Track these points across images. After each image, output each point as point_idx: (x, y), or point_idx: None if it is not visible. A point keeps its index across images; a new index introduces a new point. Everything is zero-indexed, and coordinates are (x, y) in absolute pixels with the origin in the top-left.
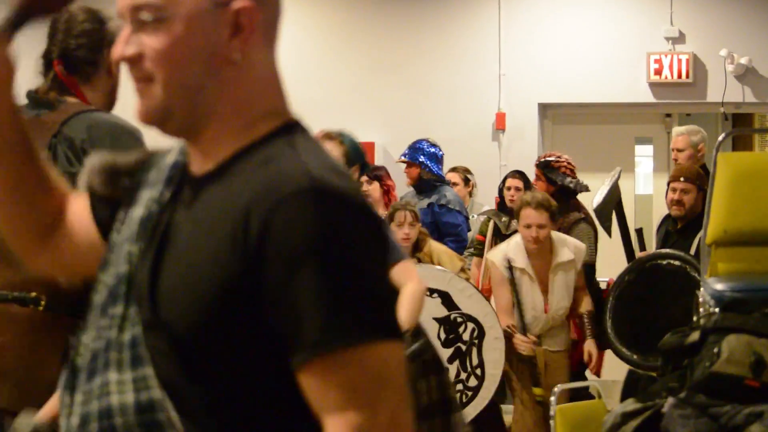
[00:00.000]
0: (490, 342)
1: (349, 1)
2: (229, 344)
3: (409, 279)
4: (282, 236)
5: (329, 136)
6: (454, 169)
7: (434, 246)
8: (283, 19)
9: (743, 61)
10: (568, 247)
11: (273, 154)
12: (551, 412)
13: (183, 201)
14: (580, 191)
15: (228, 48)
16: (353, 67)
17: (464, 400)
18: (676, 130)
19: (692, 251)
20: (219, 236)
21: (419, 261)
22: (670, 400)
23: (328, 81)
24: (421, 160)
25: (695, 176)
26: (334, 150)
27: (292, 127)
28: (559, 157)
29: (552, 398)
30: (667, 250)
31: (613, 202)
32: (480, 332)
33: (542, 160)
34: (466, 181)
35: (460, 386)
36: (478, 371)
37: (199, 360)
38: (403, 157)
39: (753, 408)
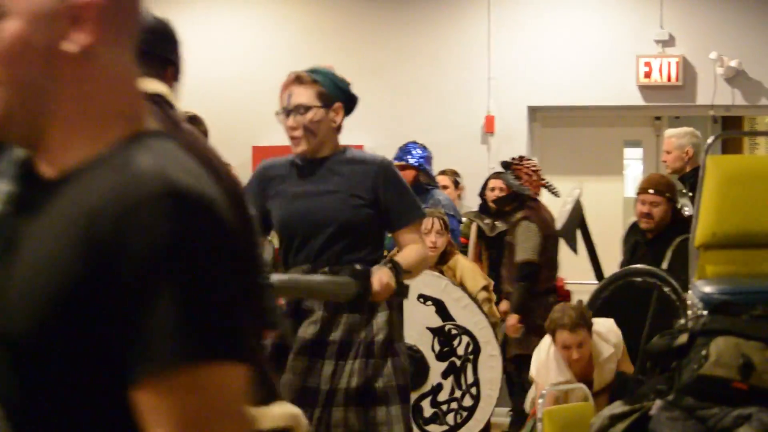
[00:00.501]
0: (486, 359)
1: (337, 4)
2: (67, 356)
3: (416, 242)
4: (132, 242)
5: (299, 79)
6: (443, 172)
7: (461, 261)
8: (139, 20)
9: (733, 63)
10: (606, 341)
11: (125, 158)
12: (539, 415)
13: (27, 204)
14: (533, 197)
15: (70, 45)
16: (341, 70)
17: (458, 420)
18: (667, 132)
19: (664, 264)
20: (64, 242)
21: (441, 273)
22: (658, 402)
23: None
24: (419, 162)
25: (665, 188)
26: (305, 93)
27: (149, 133)
28: (521, 160)
29: (540, 401)
30: (642, 266)
31: (576, 220)
32: (475, 347)
33: (506, 160)
34: (456, 184)
35: (454, 405)
36: (474, 390)
37: (34, 375)
38: (396, 161)
39: (741, 410)
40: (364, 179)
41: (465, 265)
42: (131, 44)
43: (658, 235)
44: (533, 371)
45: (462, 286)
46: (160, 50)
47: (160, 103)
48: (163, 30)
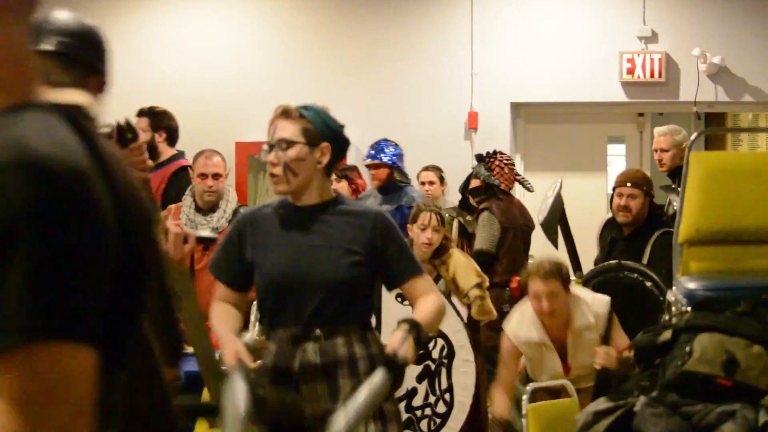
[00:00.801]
0: (460, 364)
1: (322, 2)
2: None
3: (428, 291)
4: None
5: (286, 113)
6: (427, 168)
7: (456, 256)
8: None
9: (716, 60)
10: (588, 309)
11: None
12: (523, 411)
13: None
14: (505, 191)
15: None
16: (324, 67)
17: (432, 428)
18: (658, 130)
19: (644, 260)
20: None
21: (434, 268)
22: (642, 398)
23: (298, 80)
24: (393, 160)
25: (642, 181)
26: (290, 127)
27: (32, 105)
28: (494, 154)
29: (524, 397)
30: (623, 262)
31: (557, 214)
32: (450, 351)
33: (481, 153)
34: (441, 179)
35: (428, 411)
36: (447, 396)
37: None
38: (369, 159)
39: (725, 407)
40: (359, 233)
41: (459, 260)
42: (23, 22)
43: (636, 231)
44: (505, 327)
45: (454, 282)
46: (83, 56)
47: (74, 114)
48: (87, 36)
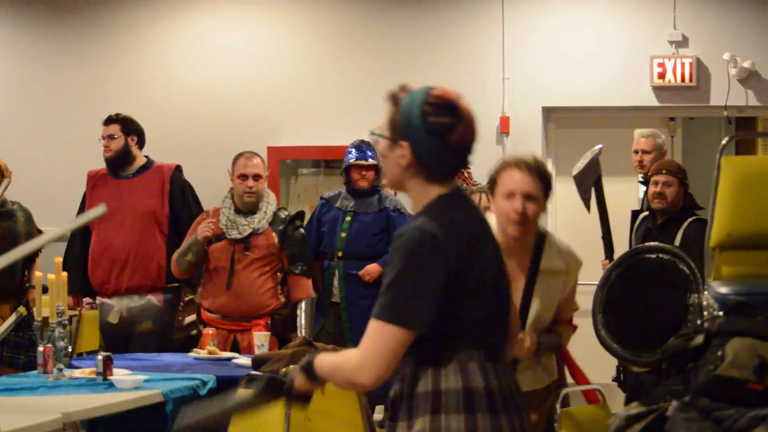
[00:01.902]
0: None
1: (351, 6)
2: None
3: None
4: None
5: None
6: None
7: None
8: None
9: (746, 64)
10: (560, 254)
11: None
12: (555, 416)
13: None
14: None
15: None
16: (354, 73)
17: None
18: (639, 132)
19: (676, 244)
20: None
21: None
22: (674, 403)
23: (329, 86)
24: (377, 161)
25: (677, 170)
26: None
27: None
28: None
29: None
30: (656, 243)
31: (591, 176)
32: None
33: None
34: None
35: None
36: None
37: None
38: (356, 159)
39: (757, 411)
40: None
41: None
42: None
43: (669, 219)
44: None
45: None
46: None
47: None
48: None
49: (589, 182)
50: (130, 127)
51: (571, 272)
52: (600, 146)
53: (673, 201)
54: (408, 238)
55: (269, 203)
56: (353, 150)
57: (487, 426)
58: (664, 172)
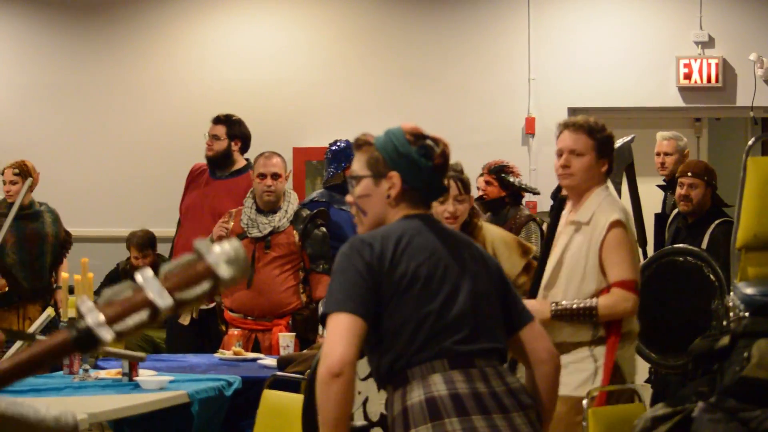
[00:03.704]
0: None
1: (376, 7)
2: None
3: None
4: None
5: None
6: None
7: (490, 232)
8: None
9: None
10: (603, 212)
11: None
12: (583, 415)
13: None
14: (532, 192)
15: None
16: (379, 73)
17: None
18: (662, 134)
19: (703, 247)
20: None
21: None
22: (700, 404)
23: (354, 86)
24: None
25: (703, 171)
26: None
27: None
28: (508, 162)
29: (584, 402)
30: (685, 246)
31: (622, 161)
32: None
33: (495, 166)
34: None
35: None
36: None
37: None
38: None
39: None
40: None
41: (496, 234)
42: None
43: (697, 220)
44: None
45: None
46: None
47: None
48: None
49: (620, 167)
50: (235, 130)
51: (596, 226)
52: (633, 136)
53: (699, 203)
54: (341, 250)
55: (290, 202)
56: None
57: (457, 428)
58: (689, 174)
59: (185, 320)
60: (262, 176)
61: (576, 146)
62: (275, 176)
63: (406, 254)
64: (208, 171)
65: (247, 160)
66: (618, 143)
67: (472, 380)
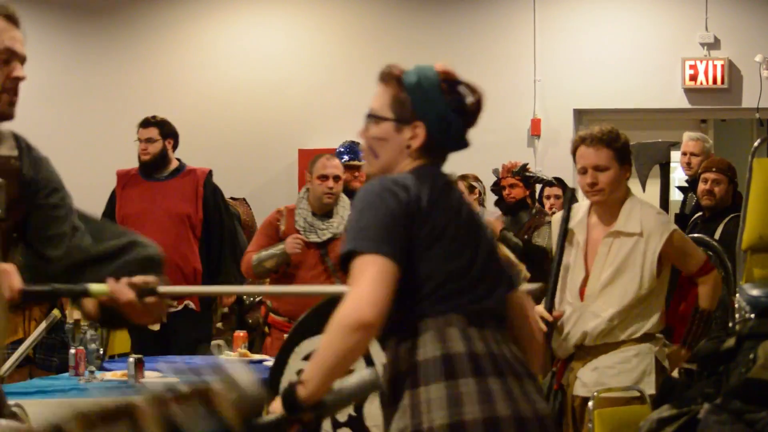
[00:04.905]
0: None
1: (381, 8)
2: None
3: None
4: None
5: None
6: (463, 177)
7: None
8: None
9: None
10: (641, 218)
11: None
12: (589, 416)
13: None
14: (555, 184)
15: None
16: None
17: None
18: (689, 134)
19: (716, 237)
20: None
21: None
22: (706, 406)
23: (360, 88)
24: None
25: (726, 168)
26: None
27: None
28: (527, 164)
29: (590, 403)
30: (700, 236)
31: (653, 157)
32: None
33: (517, 167)
34: (471, 188)
35: None
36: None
37: None
38: (351, 160)
39: None
40: None
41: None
42: None
43: (714, 214)
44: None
45: None
46: None
47: None
48: None
49: (648, 163)
50: (167, 129)
51: (651, 237)
52: (675, 141)
53: (722, 198)
54: (366, 186)
55: (344, 207)
56: (344, 151)
57: (472, 390)
58: (714, 170)
59: (155, 327)
60: (324, 178)
61: (599, 161)
62: (336, 178)
63: (438, 206)
64: (139, 174)
65: (178, 159)
66: (649, 141)
67: (486, 340)
